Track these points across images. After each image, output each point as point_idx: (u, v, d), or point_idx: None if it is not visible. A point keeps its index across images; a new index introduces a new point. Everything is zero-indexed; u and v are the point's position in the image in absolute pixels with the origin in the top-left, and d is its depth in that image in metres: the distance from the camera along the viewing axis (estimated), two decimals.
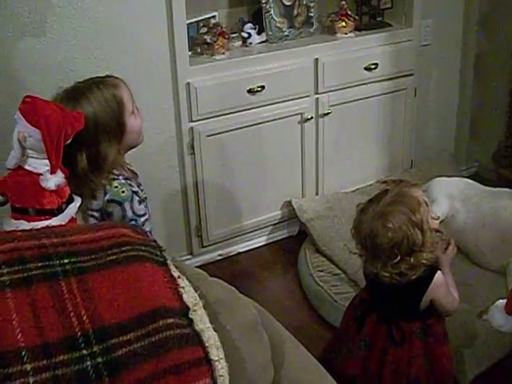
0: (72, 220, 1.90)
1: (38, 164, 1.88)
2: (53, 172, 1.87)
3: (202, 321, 1.24)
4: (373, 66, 3.78)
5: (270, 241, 3.94)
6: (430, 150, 4.37)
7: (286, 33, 3.64)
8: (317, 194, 3.93)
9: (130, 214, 2.20)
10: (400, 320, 2.30)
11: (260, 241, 3.91)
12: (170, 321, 1.21)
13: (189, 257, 3.66)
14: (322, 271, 3.40)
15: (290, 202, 3.82)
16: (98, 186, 2.17)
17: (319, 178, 3.91)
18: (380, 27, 3.89)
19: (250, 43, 3.57)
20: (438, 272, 2.26)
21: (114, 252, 1.30)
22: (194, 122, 3.35)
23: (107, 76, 2.30)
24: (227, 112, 3.42)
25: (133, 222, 2.19)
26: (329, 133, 3.81)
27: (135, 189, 2.26)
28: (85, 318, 1.17)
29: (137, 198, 2.24)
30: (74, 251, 1.28)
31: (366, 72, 3.78)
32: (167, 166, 3.40)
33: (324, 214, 3.68)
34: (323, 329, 3.15)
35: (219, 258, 3.76)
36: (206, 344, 1.22)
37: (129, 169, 2.38)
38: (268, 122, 3.59)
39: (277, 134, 3.65)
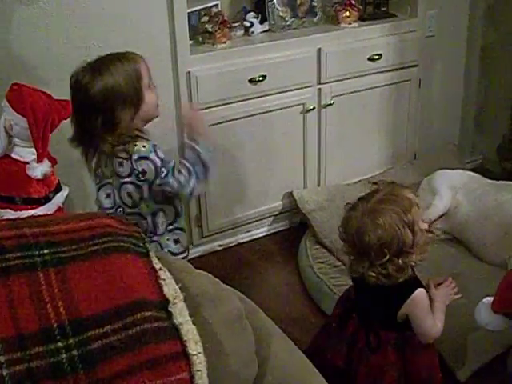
0: (59, 209, 1.88)
1: (25, 152, 1.87)
2: (39, 161, 1.85)
3: (181, 314, 1.22)
4: (376, 57, 3.74)
5: (271, 232, 3.92)
6: (434, 141, 4.33)
7: (288, 22, 3.62)
8: (319, 185, 3.91)
9: (159, 162, 2.30)
10: (378, 327, 2.26)
11: (261, 232, 3.89)
12: (148, 314, 1.19)
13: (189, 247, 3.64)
14: (322, 263, 3.38)
15: (291, 193, 3.80)
16: (113, 143, 2.25)
17: (321, 169, 3.89)
18: (384, 17, 3.86)
19: (253, 32, 3.55)
20: (420, 290, 2.20)
21: (95, 243, 1.28)
22: None
23: (127, 52, 2.36)
24: (228, 102, 3.40)
25: (164, 171, 2.31)
26: (331, 124, 3.78)
27: (155, 142, 2.35)
28: (62, 309, 1.15)
29: (158, 148, 2.34)
30: (55, 241, 1.26)
31: (369, 62, 3.75)
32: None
33: (325, 205, 3.66)
34: (322, 321, 3.13)
35: (219, 248, 3.75)
36: (185, 338, 1.20)
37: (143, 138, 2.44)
38: (269, 112, 3.57)
39: (278, 125, 3.62)
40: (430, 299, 2.25)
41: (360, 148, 3.98)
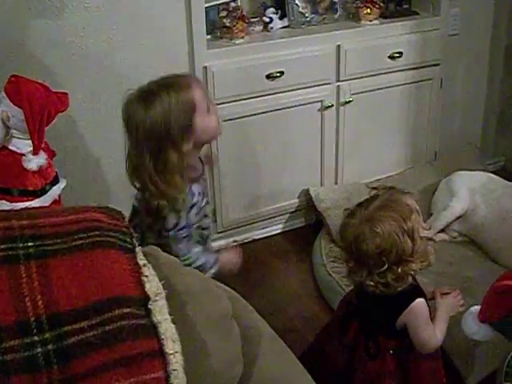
0: (56, 201, 1.88)
1: (22, 144, 1.87)
2: (35, 153, 1.85)
3: (160, 312, 1.21)
4: (397, 55, 3.70)
5: (286, 229, 3.91)
6: (455, 142, 4.27)
7: (308, 18, 3.59)
8: (336, 183, 3.88)
9: (183, 222, 2.22)
10: (378, 333, 2.23)
11: (276, 228, 3.87)
12: (126, 310, 1.18)
13: None
14: (335, 262, 3.35)
15: (307, 191, 3.77)
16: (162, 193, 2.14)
17: (338, 168, 3.86)
18: (406, 15, 3.80)
19: (272, 28, 3.53)
20: (419, 300, 2.14)
21: (80, 237, 1.27)
22: None
23: (179, 76, 2.26)
24: (245, 97, 3.38)
25: (182, 233, 2.22)
26: (349, 121, 3.74)
27: (195, 200, 2.26)
28: (40, 303, 1.15)
29: (194, 211, 2.26)
30: (40, 234, 1.26)
31: (389, 60, 3.70)
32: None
33: (341, 204, 3.61)
34: None
35: (234, 244, 3.73)
36: (162, 336, 1.19)
37: (199, 159, 2.37)
38: (287, 108, 3.54)
39: (296, 121, 3.60)
40: (434, 308, 2.21)
41: (379, 147, 3.94)
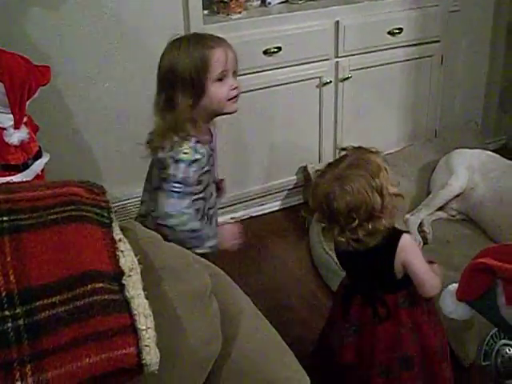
0: (39, 176, 1.87)
1: (4, 118, 1.85)
2: (16, 127, 1.83)
3: (134, 287, 1.19)
4: (397, 31, 3.66)
5: (284, 206, 3.89)
6: (456, 120, 4.24)
7: None
8: None
9: (180, 175, 2.19)
10: (383, 295, 2.22)
11: (274, 206, 3.86)
12: (98, 285, 1.17)
13: None
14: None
15: (305, 168, 3.75)
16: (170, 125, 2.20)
17: (337, 145, 3.82)
18: None
19: (269, 3, 3.50)
20: (405, 234, 2.16)
21: (56, 211, 1.26)
22: None
23: (212, 36, 2.29)
24: (242, 73, 3.29)
25: (176, 187, 2.19)
26: (348, 98, 3.72)
27: (198, 156, 2.22)
28: (12, 277, 1.13)
29: (194, 168, 2.21)
30: (16, 209, 1.24)
31: (389, 36, 3.67)
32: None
33: None
34: (328, 299, 3.09)
35: (231, 221, 3.71)
36: (134, 312, 1.17)
37: (210, 130, 2.37)
38: (285, 84, 3.52)
39: (294, 97, 3.57)
40: None
41: (378, 124, 3.91)
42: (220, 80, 2.22)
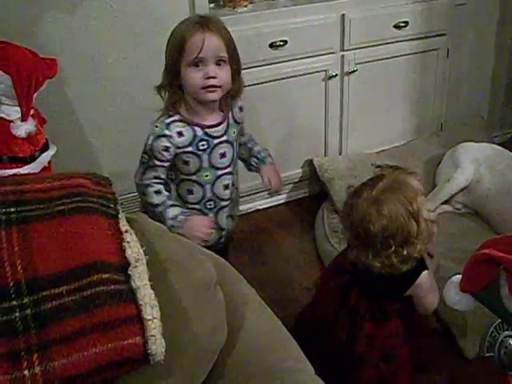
0: (46, 168, 1.88)
1: (11, 111, 1.87)
2: (24, 119, 1.84)
3: (140, 277, 1.21)
4: (403, 24, 3.66)
5: (290, 199, 3.90)
6: (462, 113, 4.23)
7: None
8: (340, 153, 3.86)
9: (148, 147, 2.23)
10: (383, 299, 2.22)
11: (279, 199, 3.86)
12: (105, 276, 1.18)
13: None
14: (337, 232, 3.34)
15: (311, 161, 3.76)
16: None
17: (343, 138, 3.84)
18: None
19: None
20: (425, 272, 2.16)
21: (63, 202, 1.27)
22: None
23: (207, 19, 2.22)
24: (248, 66, 3.34)
25: (143, 158, 2.25)
26: (354, 91, 3.72)
27: (167, 132, 2.22)
28: (19, 268, 1.15)
29: (163, 143, 2.21)
30: (23, 200, 1.26)
31: (395, 30, 3.67)
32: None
33: (345, 174, 3.61)
34: None
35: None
36: (141, 302, 1.19)
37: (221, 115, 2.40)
38: (290, 77, 3.52)
39: (300, 91, 3.58)
40: None
41: (383, 117, 3.92)
42: (196, 66, 2.18)
